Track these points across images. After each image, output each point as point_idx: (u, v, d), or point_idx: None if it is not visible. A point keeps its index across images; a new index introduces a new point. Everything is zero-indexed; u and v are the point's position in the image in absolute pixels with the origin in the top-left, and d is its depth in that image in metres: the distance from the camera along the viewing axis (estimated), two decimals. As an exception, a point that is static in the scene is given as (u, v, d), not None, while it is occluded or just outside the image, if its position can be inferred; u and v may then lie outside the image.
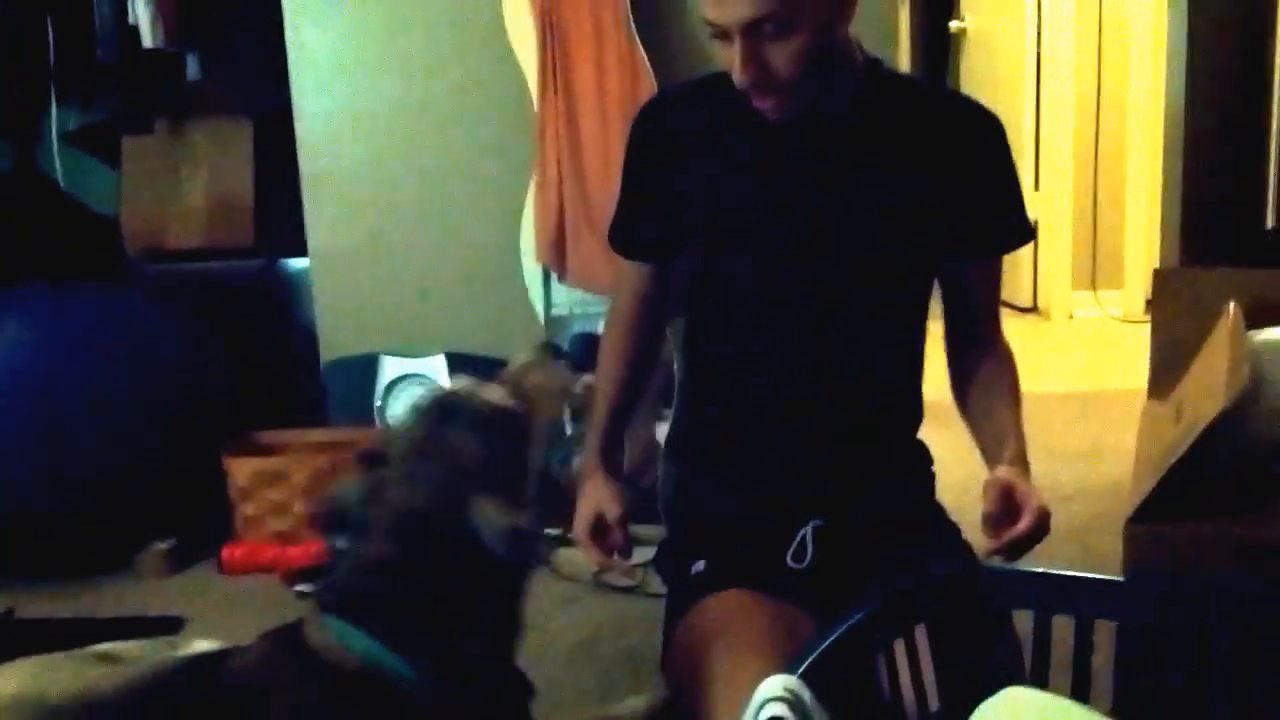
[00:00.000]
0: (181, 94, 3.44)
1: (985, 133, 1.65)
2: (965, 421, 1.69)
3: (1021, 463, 1.52)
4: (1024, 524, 1.39)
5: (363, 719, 1.27)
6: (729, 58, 1.46)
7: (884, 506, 1.69)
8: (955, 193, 1.62)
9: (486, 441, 1.36)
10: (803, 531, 1.63)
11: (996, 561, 1.43)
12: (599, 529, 1.66)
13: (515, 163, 3.08)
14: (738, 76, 1.46)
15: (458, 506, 1.31)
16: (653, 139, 1.69)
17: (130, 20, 3.21)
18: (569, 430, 2.76)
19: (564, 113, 2.97)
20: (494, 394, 1.41)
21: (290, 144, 3.18)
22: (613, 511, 1.65)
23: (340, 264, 3.22)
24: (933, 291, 1.75)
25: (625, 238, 1.75)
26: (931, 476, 1.81)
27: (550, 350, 1.52)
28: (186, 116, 3.45)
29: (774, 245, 1.62)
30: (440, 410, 1.39)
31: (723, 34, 1.45)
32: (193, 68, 3.31)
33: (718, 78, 1.56)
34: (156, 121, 3.46)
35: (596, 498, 1.67)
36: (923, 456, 1.80)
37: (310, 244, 3.22)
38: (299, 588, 2.64)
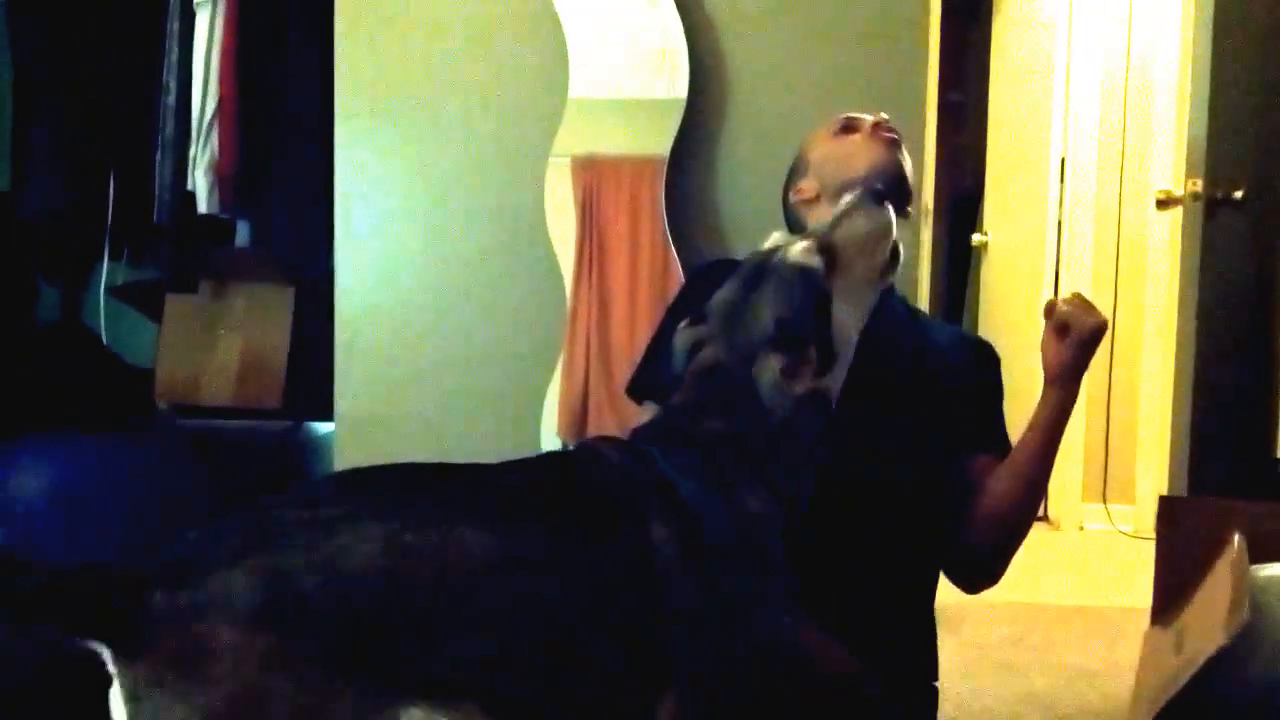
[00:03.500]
0: (229, 257, 3.57)
1: (980, 358, 1.89)
2: (1003, 482, 1.76)
3: None
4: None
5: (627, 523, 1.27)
6: None
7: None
8: (949, 404, 1.79)
9: (782, 301, 1.37)
10: None
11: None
12: None
13: (542, 344, 3.18)
14: None
15: (749, 362, 1.33)
16: (707, 284, 1.80)
17: (189, 186, 3.36)
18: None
19: (596, 301, 3.08)
20: (799, 251, 1.41)
21: (329, 310, 3.29)
22: None
23: (365, 431, 3.28)
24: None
25: (648, 380, 1.83)
26: (934, 694, 1.82)
27: (871, 196, 1.46)
28: (231, 278, 3.58)
29: None
30: (751, 270, 1.41)
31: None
32: (242, 233, 3.45)
33: None
34: (201, 281, 3.58)
35: None
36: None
37: (337, 410, 3.29)
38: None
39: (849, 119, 1.88)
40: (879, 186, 1.45)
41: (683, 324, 1.44)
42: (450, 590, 1.18)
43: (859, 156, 1.80)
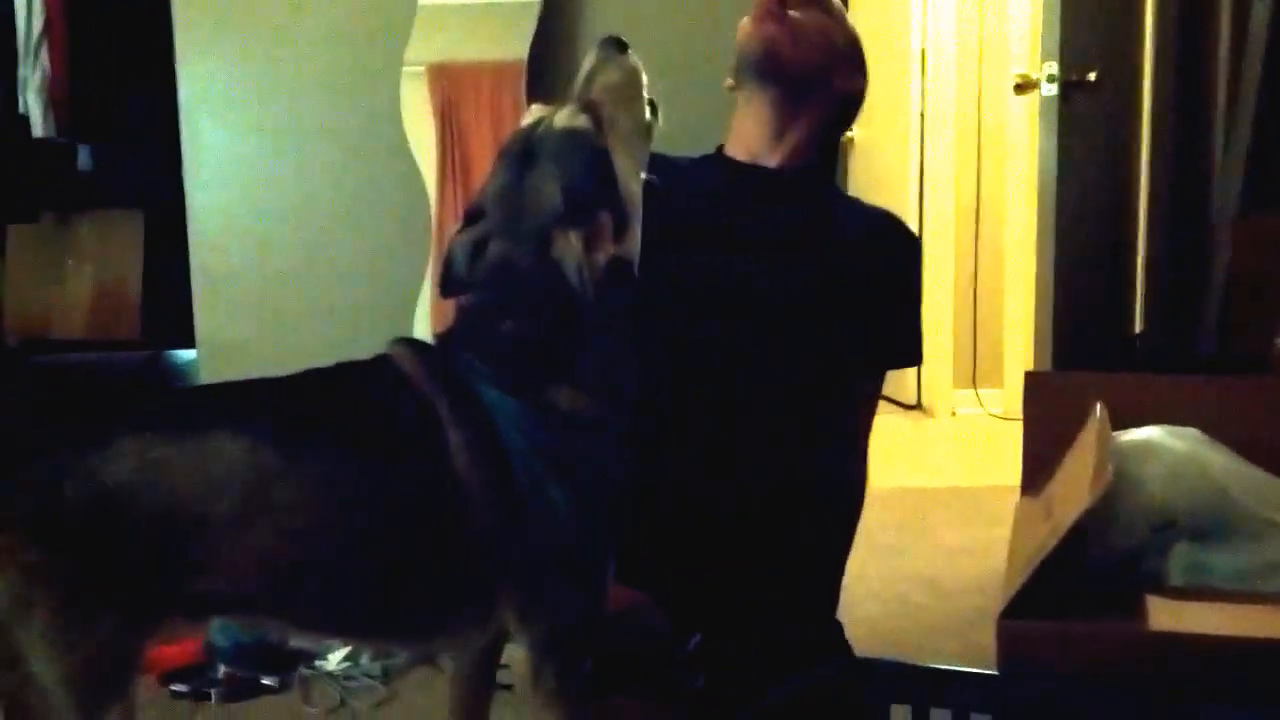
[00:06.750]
0: (71, 184, 3.41)
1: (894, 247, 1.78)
2: None
3: None
4: None
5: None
6: None
7: (770, 602, 1.72)
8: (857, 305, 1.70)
9: (561, 172, 1.29)
10: (695, 639, 1.64)
11: None
12: None
13: (409, 261, 3.10)
14: None
15: (540, 247, 1.25)
16: None
17: (20, 109, 3.19)
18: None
19: (462, 209, 3.00)
20: (564, 116, 1.32)
21: (183, 234, 3.16)
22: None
23: (228, 358, 3.18)
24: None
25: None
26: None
27: (614, 45, 1.36)
28: (75, 207, 3.42)
29: (703, 310, 1.67)
30: (518, 150, 1.31)
31: None
32: (84, 158, 3.29)
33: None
34: (44, 211, 3.42)
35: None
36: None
37: (199, 336, 3.19)
38: (174, 687, 2.57)
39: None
40: (614, 38, 1.34)
41: (457, 229, 1.34)
42: (207, 500, 1.16)
43: (741, 38, 1.73)
